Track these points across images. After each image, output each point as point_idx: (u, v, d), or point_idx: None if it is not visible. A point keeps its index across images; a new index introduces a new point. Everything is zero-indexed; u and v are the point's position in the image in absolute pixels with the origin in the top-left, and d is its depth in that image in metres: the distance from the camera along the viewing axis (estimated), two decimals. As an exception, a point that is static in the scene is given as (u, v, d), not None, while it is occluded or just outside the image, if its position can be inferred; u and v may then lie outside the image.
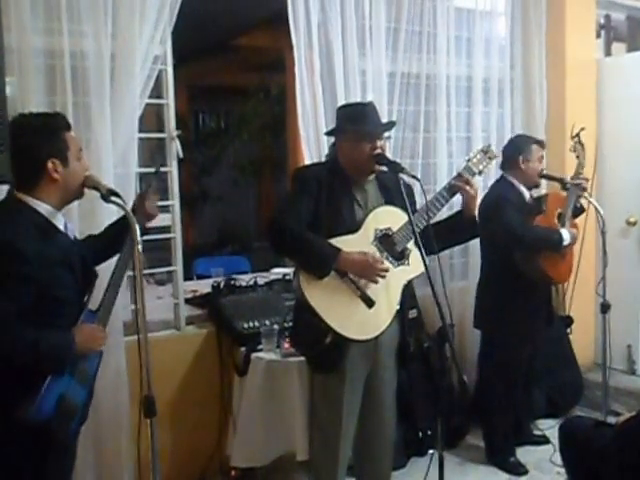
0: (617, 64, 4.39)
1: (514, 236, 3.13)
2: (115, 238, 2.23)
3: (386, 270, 2.38)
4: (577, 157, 3.32)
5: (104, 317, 2.05)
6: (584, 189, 3.28)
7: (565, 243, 3.16)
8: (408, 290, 2.53)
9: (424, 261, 2.26)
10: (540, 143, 3.39)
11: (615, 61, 4.47)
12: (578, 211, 3.36)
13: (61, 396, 1.89)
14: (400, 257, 2.47)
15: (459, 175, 2.56)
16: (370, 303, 2.38)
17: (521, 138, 3.44)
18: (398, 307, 2.46)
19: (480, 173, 2.66)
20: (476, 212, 2.62)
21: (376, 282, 2.37)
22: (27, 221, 1.89)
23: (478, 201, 3.18)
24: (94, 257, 2.17)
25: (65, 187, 1.96)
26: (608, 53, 4.67)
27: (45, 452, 1.92)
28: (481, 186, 3.69)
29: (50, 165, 1.91)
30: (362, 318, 2.38)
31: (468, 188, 2.52)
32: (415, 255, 2.44)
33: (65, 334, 1.91)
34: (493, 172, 3.68)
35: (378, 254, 2.42)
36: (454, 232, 2.59)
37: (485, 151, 2.66)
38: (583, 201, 3.36)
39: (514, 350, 3.28)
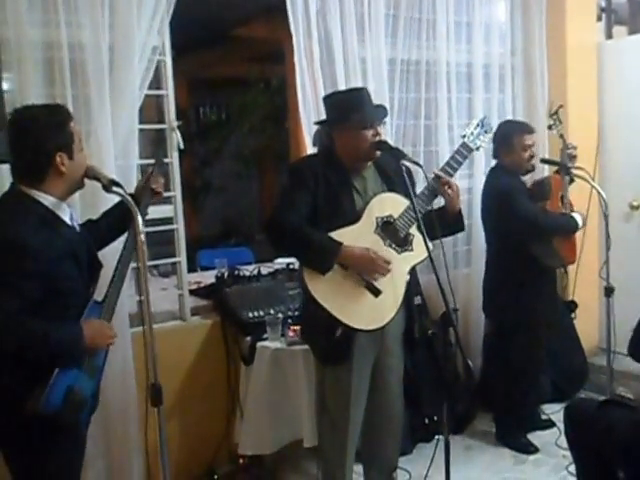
0: (618, 47, 4.36)
1: (534, 226, 3.13)
2: (115, 222, 2.24)
3: (388, 265, 2.35)
4: (561, 136, 3.30)
5: (110, 308, 2.07)
6: (574, 157, 3.28)
7: (579, 226, 3.21)
8: (413, 277, 2.53)
9: (426, 244, 2.26)
10: (525, 131, 3.29)
11: (616, 44, 4.45)
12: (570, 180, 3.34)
13: (69, 388, 1.91)
14: (403, 243, 2.45)
15: (437, 177, 2.49)
16: (376, 292, 2.37)
17: (504, 128, 3.31)
18: (403, 297, 2.45)
19: (478, 149, 2.60)
20: (460, 207, 2.57)
21: (376, 279, 2.36)
22: (32, 215, 1.89)
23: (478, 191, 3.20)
24: (95, 243, 2.17)
25: (70, 179, 1.97)
26: (609, 36, 4.65)
27: (56, 441, 1.93)
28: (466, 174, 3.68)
29: (58, 159, 1.91)
30: (369, 308, 2.37)
31: (450, 192, 2.48)
32: (418, 240, 2.43)
33: (74, 328, 1.92)
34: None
35: (382, 242, 2.42)
36: (438, 228, 2.50)
37: (481, 124, 2.59)
38: (583, 183, 3.33)
39: (528, 336, 3.29)
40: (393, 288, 2.41)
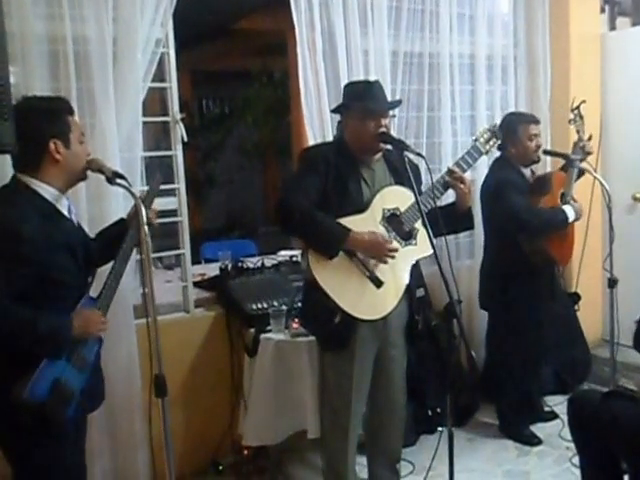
0: (622, 38, 4.35)
1: (519, 221, 3.12)
2: (110, 243, 2.20)
3: (395, 250, 2.39)
4: (577, 132, 3.28)
5: (104, 304, 2.04)
6: (588, 153, 3.25)
7: (570, 220, 3.16)
8: (416, 269, 2.54)
9: (430, 240, 2.26)
10: (530, 121, 3.30)
11: (620, 35, 4.43)
12: (578, 174, 3.29)
13: (56, 380, 1.88)
14: (408, 237, 2.48)
15: (450, 171, 2.54)
16: (378, 283, 2.39)
17: (509, 119, 3.32)
18: (406, 286, 2.47)
19: (487, 153, 2.67)
20: (471, 202, 2.63)
21: (385, 262, 2.38)
22: (29, 204, 1.90)
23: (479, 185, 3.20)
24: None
25: (67, 169, 1.97)
26: (612, 27, 4.62)
27: (40, 438, 1.91)
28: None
29: (52, 146, 1.93)
30: (371, 298, 2.39)
31: (462, 186, 2.52)
32: (423, 235, 2.44)
33: (64, 317, 1.91)
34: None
35: (386, 234, 2.43)
36: (448, 223, 2.51)
37: (492, 130, 2.66)
38: (586, 175, 3.31)
39: (522, 328, 3.29)
40: (395, 281, 2.43)
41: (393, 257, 2.38)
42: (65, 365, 1.92)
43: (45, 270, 1.88)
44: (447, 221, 2.45)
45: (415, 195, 2.33)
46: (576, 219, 3.21)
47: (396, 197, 2.48)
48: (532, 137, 3.26)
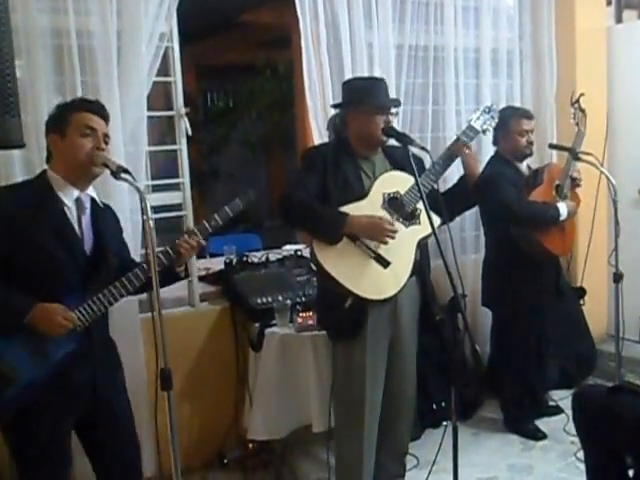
0: (628, 31, 4.32)
1: (510, 212, 3.12)
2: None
3: (395, 231, 2.41)
4: (577, 124, 3.26)
5: (86, 314, 1.96)
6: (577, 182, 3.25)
7: (562, 218, 3.14)
8: (426, 258, 2.57)
9: (430, 220, 2.24)
10: (522, 115, 3.28)
11: (626, 28, 4.40)
12: (573, 182, 3.28)
13: None
14: (411, 217, 2.51)
15: (457, 139, 2.59)
16: (385, 263, 2.42)
17: (503, 113, 3.25)
18: (412, 268, 2.48)
19: (484, 132, 2.68)
20: (479, 172, 2.65)
21: (386, 243, 2.41)
22: (30, 187, 2.06)
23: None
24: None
25: (64, 159, 2.05)
26: (619, 20, 4.60)
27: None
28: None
29: (51, 140, 2.07)
30: (379, 279, 2.42)
31: (468, 151, 2.56)
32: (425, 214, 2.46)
33: (28, 301, 1.90)
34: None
35: (389, 217, 2.46)
36: (461, 197, 2.63)
37: (487, 110, 2.68)
38: (592, 169, 3.30)
39: (523, 325, 3.29)
40: (402, 260, 2.46)
41: (392, 237, 2.41)
42: (17, 348, 1.91)
43: (16, 245, 1.92)
44: (459, 197, 2.56)
45: (414, 175, 2.32)
46: (567, 219, 3.18)
47: (396, 181, 2.52)
48: (523, 132, 3.25)
